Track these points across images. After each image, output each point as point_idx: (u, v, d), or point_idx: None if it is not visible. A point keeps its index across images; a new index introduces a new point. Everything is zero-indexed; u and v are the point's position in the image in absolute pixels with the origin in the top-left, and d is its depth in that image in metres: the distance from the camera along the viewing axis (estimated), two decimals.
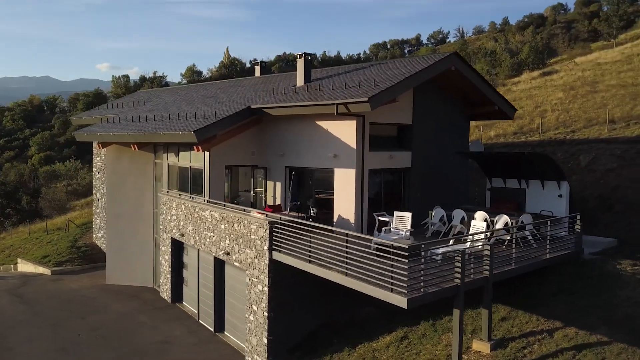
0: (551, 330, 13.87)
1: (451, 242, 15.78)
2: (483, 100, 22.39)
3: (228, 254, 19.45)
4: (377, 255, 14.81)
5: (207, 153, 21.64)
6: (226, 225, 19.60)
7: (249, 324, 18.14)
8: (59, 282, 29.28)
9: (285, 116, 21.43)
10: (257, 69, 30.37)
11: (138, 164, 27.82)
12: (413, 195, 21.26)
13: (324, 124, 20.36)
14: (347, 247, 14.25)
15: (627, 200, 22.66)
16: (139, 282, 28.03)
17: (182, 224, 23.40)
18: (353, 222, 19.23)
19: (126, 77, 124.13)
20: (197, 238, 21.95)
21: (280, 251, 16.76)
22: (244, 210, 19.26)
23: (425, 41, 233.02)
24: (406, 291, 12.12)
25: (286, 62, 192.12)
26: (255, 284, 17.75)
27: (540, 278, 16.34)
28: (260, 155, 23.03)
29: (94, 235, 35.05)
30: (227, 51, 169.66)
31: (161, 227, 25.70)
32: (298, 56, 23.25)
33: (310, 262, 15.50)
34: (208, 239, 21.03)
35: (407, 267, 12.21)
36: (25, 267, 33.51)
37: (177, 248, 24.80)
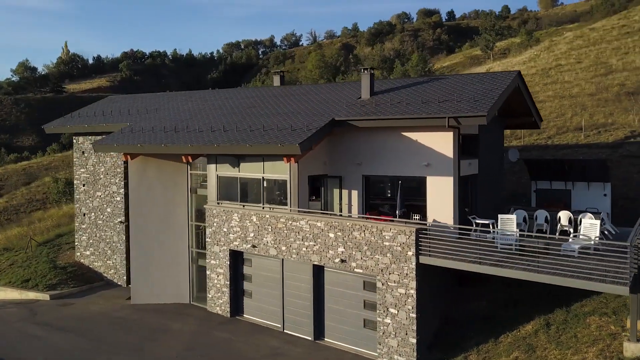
0: None
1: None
2: (524, 112, 25.38)
3: (344, 261, 20.11)
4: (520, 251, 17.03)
5: (294, 164, 21.96)
6: (338, 233, 20.23)
7: (384, 327, 19.06)
8: (70, 306, 26.94)
9: (366, 128, 22.46)
10: (276, 78, 30.64)
11: (167, 175, 26.69)
12: (480, 198, 23.54)
13: (412, 135, 21.84)
14: (537, 246, 16.12)
15: (628, 196, 27.14)
16: (172, 299, 26.88)
17: (252, 235, 23.25)
18: (452, 225, 20.97)
19: None
20: (283, 248, 22.10)
21: (430, 255, 18.05)
22: (366, 218, 20.10)
23: (278, 42, 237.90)
24: (627, 281, 14.35)
25: (134, 59, 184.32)
26: (393, 287, 18.75)
27: None
28: (332, 164, 23.76)
29: (78, 254, 32.36)
30: (66, 46, 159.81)
31: (209, 240, 25.08)
32: (363, 70, 24.37)
33: (480, 263, 17.07)
34: (305, 249, 21.36)
35: (627, 261, 14.45)
36: (2, 294, 29.98)
37: (236, 260, 24.50)
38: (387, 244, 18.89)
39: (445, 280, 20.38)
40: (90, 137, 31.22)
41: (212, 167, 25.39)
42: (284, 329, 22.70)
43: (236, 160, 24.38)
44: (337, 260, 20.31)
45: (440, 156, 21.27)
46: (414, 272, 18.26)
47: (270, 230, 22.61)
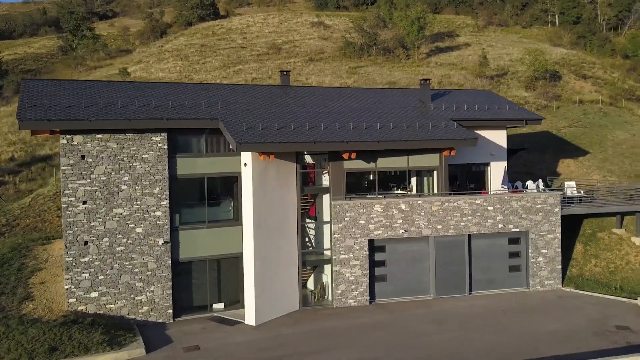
0: None
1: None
2: None
3: (503, 225, 27.04)
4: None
5: (446, 155, 26.83)
6: (497, 206, 26.98)
7: (536, 264, 27.43)
8: (203, 351, 21.25)
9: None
10: (285, 78, 30.05)
11: (283, 176, 24.60)
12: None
13: (481, 132, 30.11)
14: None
15: None
16: (286, 310, 24.85)
17: (400, 221, 26.09)
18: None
19: None
20: (439, 227, 26.46)
21: (571, 207, 28.00)
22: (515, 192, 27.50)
23: None
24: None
25: None
26: (543, 235, 27.47)
27: None
28: None
29: (73, 300, 22.69)
30: None
31: (337, 235, 25.48)
32: (423, 81, 30.02)
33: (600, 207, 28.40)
34: (463, 223, 26.68)
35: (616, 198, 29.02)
36: None
37: (371, 249, 26.17)
38: (539, 205, 27.40)
39: None
40: (99, 136, 23.03)
41: (336, 163, 25.66)
42: (436, 296, 26.79)
43: (373, 155, 26.06)
44: (500, 225, 26.98)
45: (499, 147, 30.55)
46: (560, 221, 27.67)
47: (423, 214, 26.32)
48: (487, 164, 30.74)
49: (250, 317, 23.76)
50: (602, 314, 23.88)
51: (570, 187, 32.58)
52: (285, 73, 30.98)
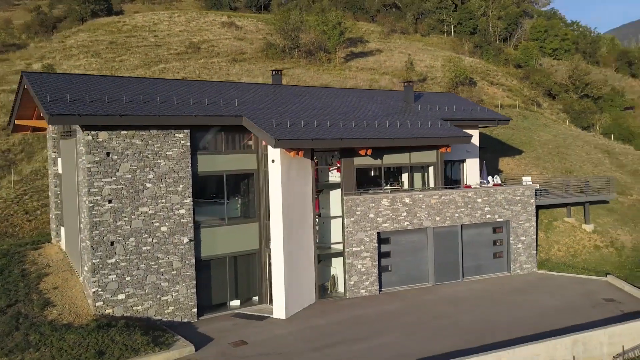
0: None
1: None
2: None
3: (490, 216, 29.63)
4: None
5: (443, 152, 28.93)
6: (485, 198, 29.53)
7: (517, 250, 30.35)
8: (259, 344, 21.45)
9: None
10: (277, 77, 30.23)
11: (303, 172, 25.20)
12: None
13: None
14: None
15: None
16: (307, 302, 25.47)
17: (404, 214, 27.78)
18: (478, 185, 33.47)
19: None
20: (437, 218, 28.48)
21: (540, 199, 31.14)
22: (503, 186, 30.12)
23: None
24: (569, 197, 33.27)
25: None
26: (522, 223, 30.47)
27: None
28: None
29: (100, 303, 21.69)
30: None
31: (350, 229, 26.64)
32: (405, 83, 31.82)
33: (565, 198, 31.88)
34: (457, 215, 28.91)
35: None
36: None
37: (379, 241, 27.55)
38: (518, 197, 30.35)
39: None
40: (124, 133, 22.27)
41: (347, 160, 26.75)
42: (434, 283, 28.72)
43: (381, 152, 27.43)
44: (487, 216, 29.53)
45: (473, 146, 33.26)
46: (535, 211, 30.81)
47: (424, 206, 28.20)
48: (464, 161, 33.35)
49: (280, 310, 24.14)
50: (586, 290, 27.17)
51: (527, 182, 36.13)
52: (277, 72, 31.48)
